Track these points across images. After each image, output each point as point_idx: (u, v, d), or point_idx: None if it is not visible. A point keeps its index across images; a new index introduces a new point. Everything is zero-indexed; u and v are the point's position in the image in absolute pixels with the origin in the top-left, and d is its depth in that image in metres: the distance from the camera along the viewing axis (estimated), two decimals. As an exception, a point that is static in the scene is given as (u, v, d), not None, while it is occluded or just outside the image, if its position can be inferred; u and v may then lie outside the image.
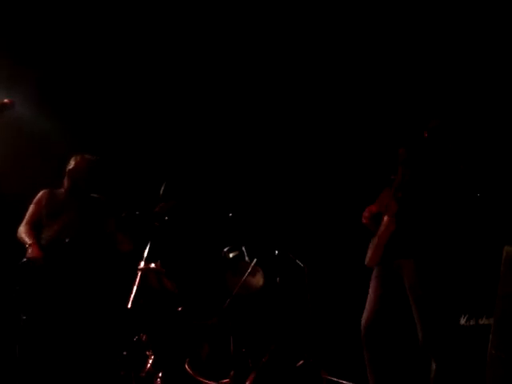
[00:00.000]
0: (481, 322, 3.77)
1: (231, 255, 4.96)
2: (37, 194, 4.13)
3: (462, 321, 3.81)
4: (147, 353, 4.33)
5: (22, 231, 3.96)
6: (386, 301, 3.13)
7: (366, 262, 3.26)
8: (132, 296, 4.10)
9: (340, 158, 5.27)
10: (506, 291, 1.85)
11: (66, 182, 4.11)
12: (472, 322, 3.79)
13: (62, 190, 4.12)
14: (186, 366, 4.30)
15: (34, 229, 3.98)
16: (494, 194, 3.96)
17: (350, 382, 4.13)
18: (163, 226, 4.26)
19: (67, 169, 4.11)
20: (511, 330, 1.79)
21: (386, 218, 3.08)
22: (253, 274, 4.75)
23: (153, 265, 4.57)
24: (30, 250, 3.81)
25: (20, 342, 3.75)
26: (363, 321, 3.14)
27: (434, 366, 2.88)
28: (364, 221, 3.28)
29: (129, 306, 4.07)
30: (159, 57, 5.41)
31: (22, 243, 3.94)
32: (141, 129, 5.70)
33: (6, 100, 3.33)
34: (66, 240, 3.82)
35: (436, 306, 2.99)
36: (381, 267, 3.18)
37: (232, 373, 4.27)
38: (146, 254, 4.46)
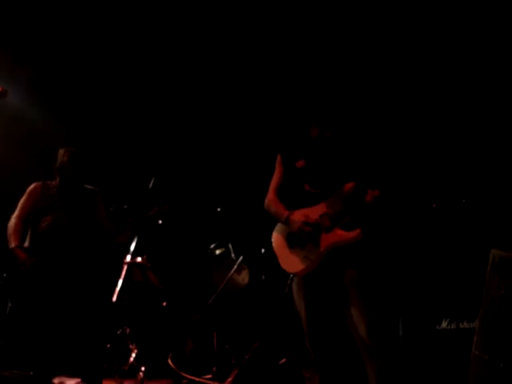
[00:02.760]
0: (462, 325, 3.83)
1: (217, 252, 4.97)
2: (29, 186, 4.06)
3: (444, 324, 3.87)
4: (130, 346, 4.34)
5: (11, 227, 3.88)
6: (323, 307, 3.08)
7: (294, 271, 3.08)
8: (117, 289, 4.10)
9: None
10: (492, 293, 1.89)
11: (56, 177, 4.07)
12: (453, 326, 3.85)
13: (55, 183, 4.07)
14: (169, 361, 4.32)
15: (24, 223, 3.92)
16: (479, 199, 4.02)
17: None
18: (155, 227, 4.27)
19: (55, 166, 4.05)
20: (495, 332, 1.83)
21: (357, 231, 3.02)
22: (238, 271, 4.77)
23: (139, 259, 4.58)
24: (14, 256, 3.76)
25: (5, 330, 3.74)
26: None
27: (377, 363, 2.89)
28: (308, 229, 3.15)
29: (114, 299, 4.08)
30: (149, 54, 5.42)
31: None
32: (130, 123, 5.71)
33: (-2, 88, 3.30)
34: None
35: (380, 300, 3.01)
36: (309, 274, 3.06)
37: (214, 369, 4.29)
38: (132, 248, 4.47)
